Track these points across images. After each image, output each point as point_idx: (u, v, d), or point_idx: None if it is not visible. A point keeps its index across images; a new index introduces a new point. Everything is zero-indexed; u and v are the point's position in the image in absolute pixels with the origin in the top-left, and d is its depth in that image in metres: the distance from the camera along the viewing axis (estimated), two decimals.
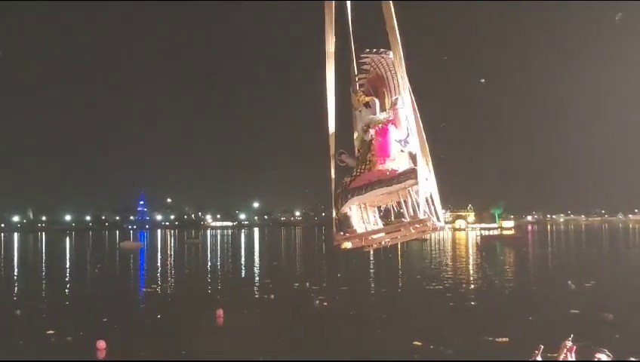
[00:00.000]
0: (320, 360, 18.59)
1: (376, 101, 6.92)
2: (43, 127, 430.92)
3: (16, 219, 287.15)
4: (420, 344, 20.20)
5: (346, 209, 6.71)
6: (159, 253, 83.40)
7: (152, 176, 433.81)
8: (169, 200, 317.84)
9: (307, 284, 37.13)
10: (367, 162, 6.68)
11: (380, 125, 6.68)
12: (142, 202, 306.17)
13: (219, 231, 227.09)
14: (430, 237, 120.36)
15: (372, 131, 6.66)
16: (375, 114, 6.85)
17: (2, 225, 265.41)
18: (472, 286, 37.43)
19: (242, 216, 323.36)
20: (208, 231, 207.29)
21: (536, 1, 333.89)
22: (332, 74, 6.93)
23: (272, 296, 32.71)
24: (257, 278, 44.10)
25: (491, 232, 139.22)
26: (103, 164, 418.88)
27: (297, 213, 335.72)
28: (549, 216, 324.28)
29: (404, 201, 6.57)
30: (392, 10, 6.53)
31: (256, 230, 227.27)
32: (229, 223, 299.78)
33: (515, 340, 20.27)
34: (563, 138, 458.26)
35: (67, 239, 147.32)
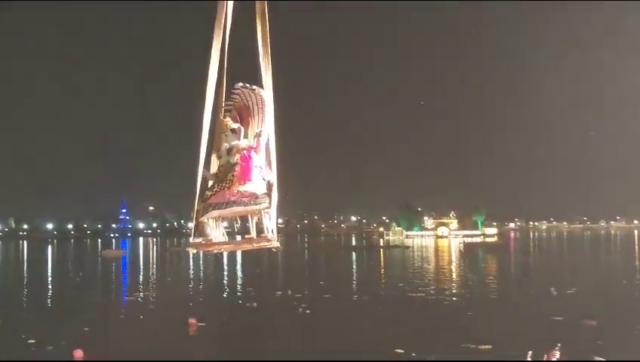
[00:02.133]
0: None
1: (242, 128, 7.79)
2: (24, 135, 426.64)
3: None
4: (402, 351, 20.11)
5: (204, 219, 7.54)
6: (142, 261, 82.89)
7: (132, 183, 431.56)
8: (151, 207, 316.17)
9: (289, 292, 36.94)
10: (228, 181, 7.48)
11: (244, 151, 7.56)
12: (124, 210, 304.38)
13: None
14: (413, 244, 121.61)
15: (237, 156, 7.50)
16: (239, 140, 7.71)
17: None
18: (455, 293, 37.38)
19: (225, 224, 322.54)
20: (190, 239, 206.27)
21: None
22: (214, 77, 7.64)
23: (255, 304, 32.52)
24: (239, 286, 43.81)
25: (474, 239, 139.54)
26: (84, 172, 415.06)
27: (280, 221, 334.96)
28: (531, 223, 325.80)
29: (257, 219, 7.53)
30: (266, 12, 7.59)
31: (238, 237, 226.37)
32: None
33: (498, 347, 20.25)
34: (546, 146, 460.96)
35: (49, 247, 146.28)
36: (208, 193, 7.58)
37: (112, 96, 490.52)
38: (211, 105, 7.65)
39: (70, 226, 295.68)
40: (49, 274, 64.43)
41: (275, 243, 7.62)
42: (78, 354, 20.01)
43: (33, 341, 22.47)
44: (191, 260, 76.92)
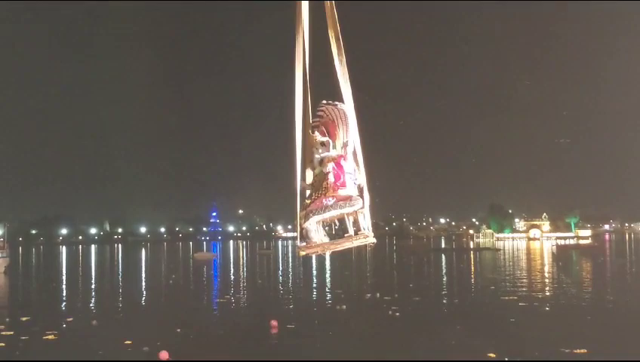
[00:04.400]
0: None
1: (330, 141, 8.40)
2: (119, 142, 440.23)
3: (93, 231, 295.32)
4: (494, 356, 19.83)
5: (306, 225, 8.15)
6: (232, 264, 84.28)
7: (223, 187, 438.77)
8: (240, 211, 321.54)
9: (378, 294, 36.93)
10: (323, 189, 8.27)
11: (335, 160, 8.26)
12: (214, 213, 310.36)
13: (290, 241, 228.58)
14: (504, 247, 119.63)
15: (329, 165, 8.21)
16: (329, 151, 8.37)
17: (80, 238, 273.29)
18: (548, 296, 36.60)
19: (325, 228, 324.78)
20: (279, 242, 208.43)
21: None
22: (300, 89, 8.26)
23: (344, 307, 32.62)
24: (328, 288, 44.05)
25: (567, 241, 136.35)
26: (176, 177, 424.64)
27: None
28: (627, 224, 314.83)
29: (353, 219, 8.18)
30: (335, 12, 8.04)
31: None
32: None
33: (593, 351, 19.77)
34: None
35: (143, 250, 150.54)
36: (307, 201, 8.29)
37: (205, 104, 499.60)
38: (301, 122, 8.30)
39: (163, 230, 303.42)
40: (143, 276, 66.31)
41: (372, 239, 8.16)
42: (164, 355, 20.47)
43: (130, 341, 23.04)
44: (280, 262, 77.65)
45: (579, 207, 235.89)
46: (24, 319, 29.54)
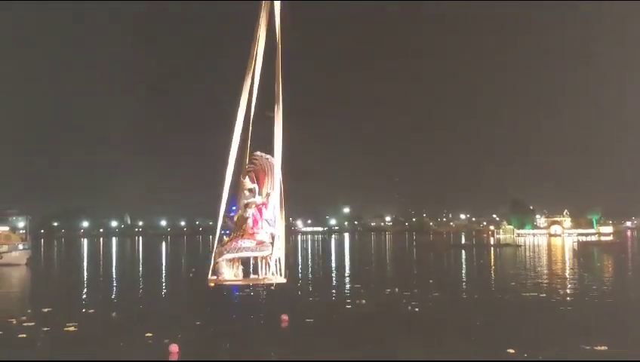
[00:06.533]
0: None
1: (257, 188, 9.76)
2: (142, 137, 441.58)
3: (114, 224, 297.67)
4: (513, 351, 19.72)
5: (220, 260, 9.32)
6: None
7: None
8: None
9: (397, 289, 36.87)
10: (242, 230, 9.49)
11: (256, 207, 9.54)
12: (234, 207, 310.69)
13: (309, 236, 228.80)
14: (525, 243, 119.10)
15: (251, 210, 9.49)
16: (255, 198, 9.66)
17: (101, 230, 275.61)
18: (569, 292, 36.31)
19: (332, 222, 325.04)
20: (299, 237, 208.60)
21: None
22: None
23: (363, 301, 32.60)
24: (347, 283, 44.05)
25: (588, 238, 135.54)
26: (195, 170, 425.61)
27: (387, 219, 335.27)
28: None
29: (265, 262, 9.45)
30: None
31: (346, 235, 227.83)
32: (320, 228, 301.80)
33: (614, 348, 19.61)
34: None
35: (163, 243, 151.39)
36: (226, 239, 9.57)
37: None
38: (232, 168, 9.61)
39: (183, 223, 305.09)
40: (163, 269, 66.70)
41: (280, 279, 9.50)
42: (174, 348, 20.55)
43: (150, 334, 23.12)
44: (300, 258, 77.79)
45: (601, 204, 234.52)
46: (45, 310, 29.77)
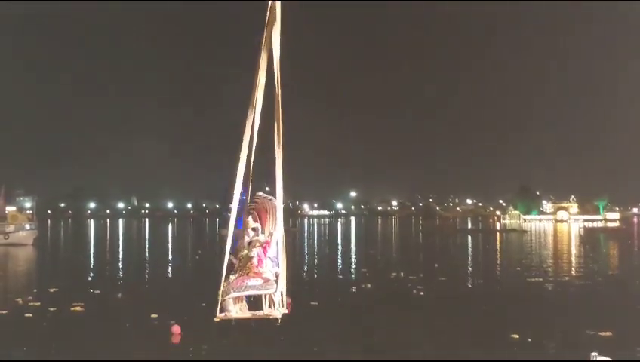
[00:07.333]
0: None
1: (259, 227, 10.13)
2: (149, 119, 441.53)
3: (121, 205, 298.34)
4: (517, 336, 19.73)
5: (227, 299, 9.61)
6: None
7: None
8: (267, 188, 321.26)
9: (402, 274, 36.90)
10: (247, 269, 9.73)
11: (261, 245, 9.79)
12: (241, 190, 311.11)
13: (316, 219, 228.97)
14: (531, 228, 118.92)
15: (255, 250, 9.76)
16: (258, 236, 9.95)
17: (108, 212, 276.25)
18: (574, 278, 36.29)
19: (339, 206, 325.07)
20: (305, 220, 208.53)
21: None
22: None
23: (369, 285, 32.65)
24: (353, 267, 44.09)
25: (595, 224, 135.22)
26: (202, 152, 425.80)
27: (394, 203, 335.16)
28: None
29: (269, 298, 9.71)
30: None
31: (352, 219, 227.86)
32: (326, 212, 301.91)
33: (618, 334, 19.59)
34: None
35: (169, 225, 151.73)
36: (232, 277, 9.71)
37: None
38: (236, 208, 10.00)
39: (190, 205, 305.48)
40: (169, 250, 66.85)
41: (282, 311, 9.72)
42: (176, 329, 20.65)
43: (155, 315, 23.24)
44: (306, 240, 77.69)
45: (607, 190, 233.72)
46: (52, 290, 29.97)
